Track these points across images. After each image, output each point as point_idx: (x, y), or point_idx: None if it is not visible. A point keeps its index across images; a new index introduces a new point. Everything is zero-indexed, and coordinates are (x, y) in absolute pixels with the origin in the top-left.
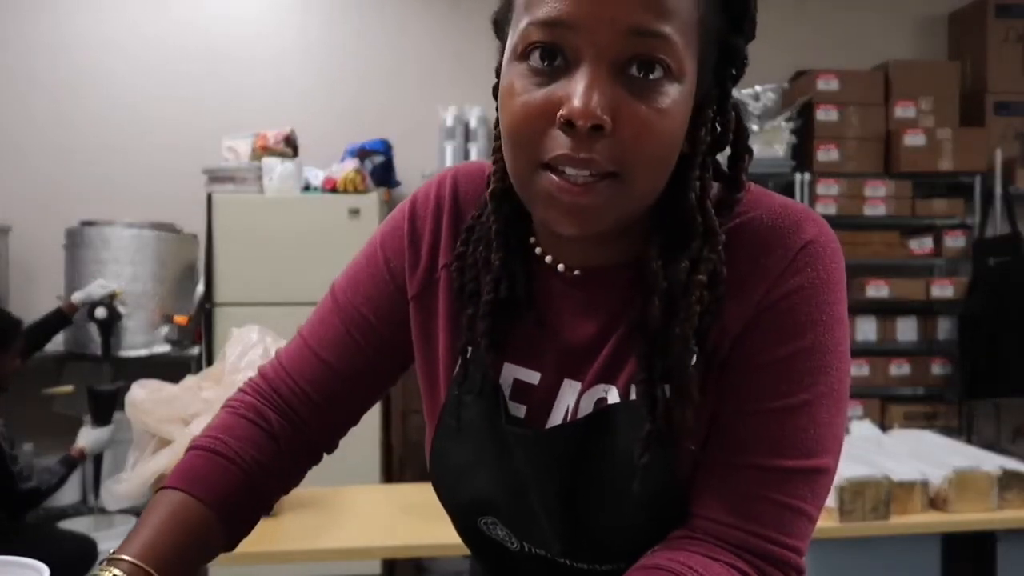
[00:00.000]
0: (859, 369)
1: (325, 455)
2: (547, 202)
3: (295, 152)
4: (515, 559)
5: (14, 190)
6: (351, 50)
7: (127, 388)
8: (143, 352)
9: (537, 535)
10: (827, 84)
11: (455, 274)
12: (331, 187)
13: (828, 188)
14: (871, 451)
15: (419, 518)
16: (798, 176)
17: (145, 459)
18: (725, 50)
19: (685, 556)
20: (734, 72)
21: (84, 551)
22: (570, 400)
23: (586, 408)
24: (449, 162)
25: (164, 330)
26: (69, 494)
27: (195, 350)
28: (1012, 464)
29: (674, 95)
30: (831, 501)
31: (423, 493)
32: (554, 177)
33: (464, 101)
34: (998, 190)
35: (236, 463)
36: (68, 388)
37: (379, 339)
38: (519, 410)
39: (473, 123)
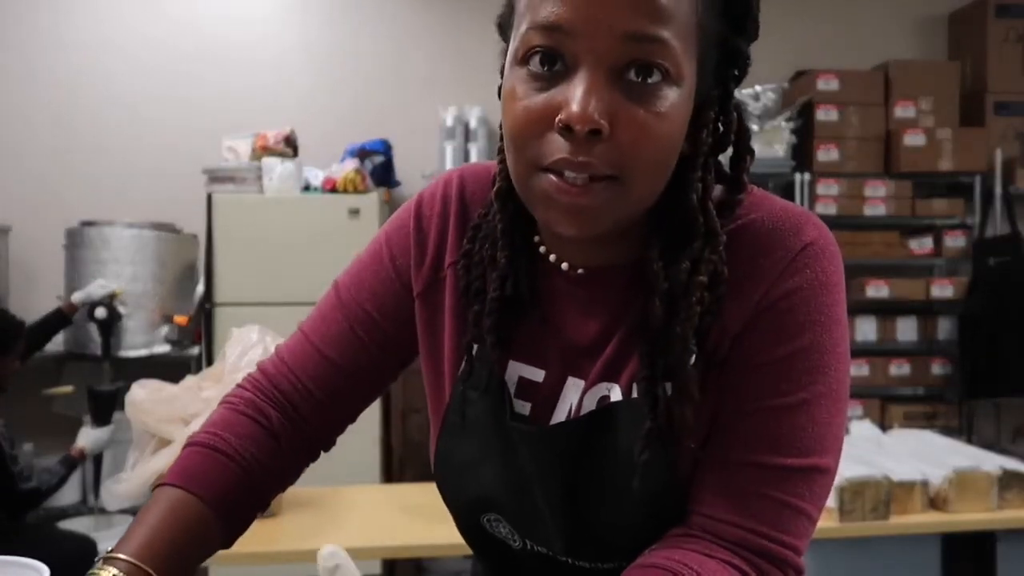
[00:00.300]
0: (859, 369)
1: (323, 453)
2: (546, 203)
3: (295, 152)
4: (517, 558)
5: (14, 190)
6: (351, 50)
7: (127, 388)
8: (143, 352)
9: (540, 532)
10: (827, 84)
11: (461, 272)
12: (331, 187)
13: (828, 188)
14: (871, 451)
15: (419, 518)
16: (798, 176)
17: (145, 459)
18: (726, 51)
19: (681, 554)
20: (736, 73)
21: (84, 551)
22: (573, 398)
23: (589, 406)
24: (449, 162)
25: (164, 330)
26: (69, 494)
27: (195, 350)
28: (1012, 464)
29: (672, 99)
30: (831, 501)
31: (423, 493)
32: (553, 178)
33: (464, 101)
34: (998, 190)
35: (234, 460)
36: (68, 388)
37: (382, 336)
38: (524, 407)
39: (473, 123)
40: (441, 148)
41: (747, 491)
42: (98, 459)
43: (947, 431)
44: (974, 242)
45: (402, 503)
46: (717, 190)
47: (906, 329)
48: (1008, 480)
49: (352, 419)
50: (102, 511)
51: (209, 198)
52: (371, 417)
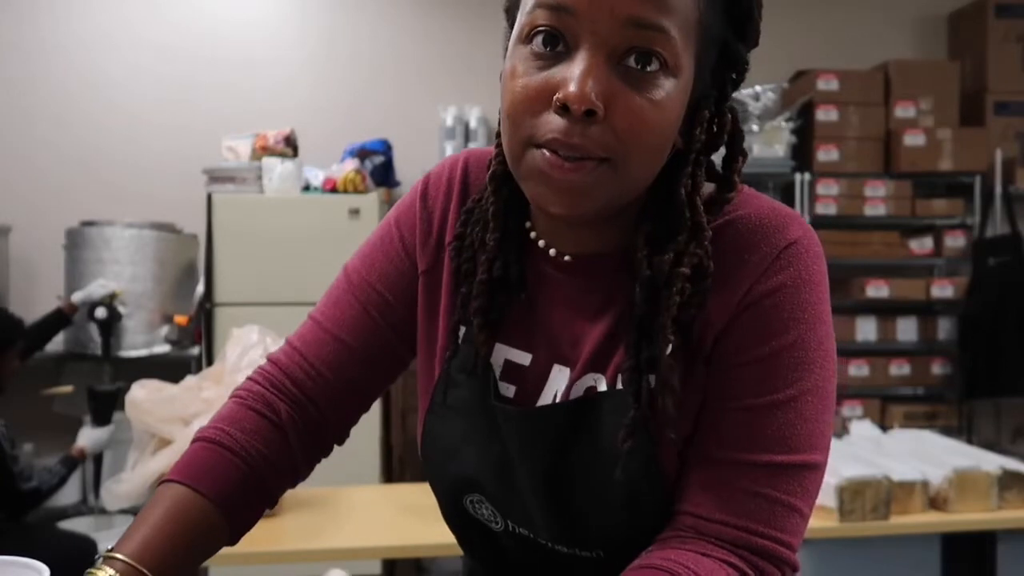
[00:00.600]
0: (859, 369)
1: (336, 447)
2: (538, 179)
3: (295, 152)
4: (499, 540)
5: (14, 190)
6: (351, 50)
7: (127, 388)
8: (143, 352)
9: (521, 514)
10: (827, 84)
11: (454, 254)
12: (331, 187)
13: (828, 188)
14: (871, 451)
15: (419, 518)
16: (798, 176)
17: (145, 459)
18: (725, 53)
19: (677, 554)
20: (734, 76)
21: (84, 551)
22: (560, 385)
23: (576, 395)
24: None
25: (164, 330)
26: (69, 494)
27: (195, 350)
28: (1012, 464)
29: (669, 88)
30: (831, 501)
31: (423, 493)
32: (546, 154)
33: (464, 101)
34: (998, 190)
35: (240, 456)
36: (68, 388)
37: (395, 315)
38: (508, 390)
39: (473, 123)
40: (441, 148)
41: (738, 489)
42: (98, 459)
43: (947, 431)
44: (974, 242)
45: (402, 503)
46: (708, 188)
47: (906, 329)
48: (1008, 480)
49: (365, 407)
50: (102, 511)
51: (209, 198)
52: (371, 417)
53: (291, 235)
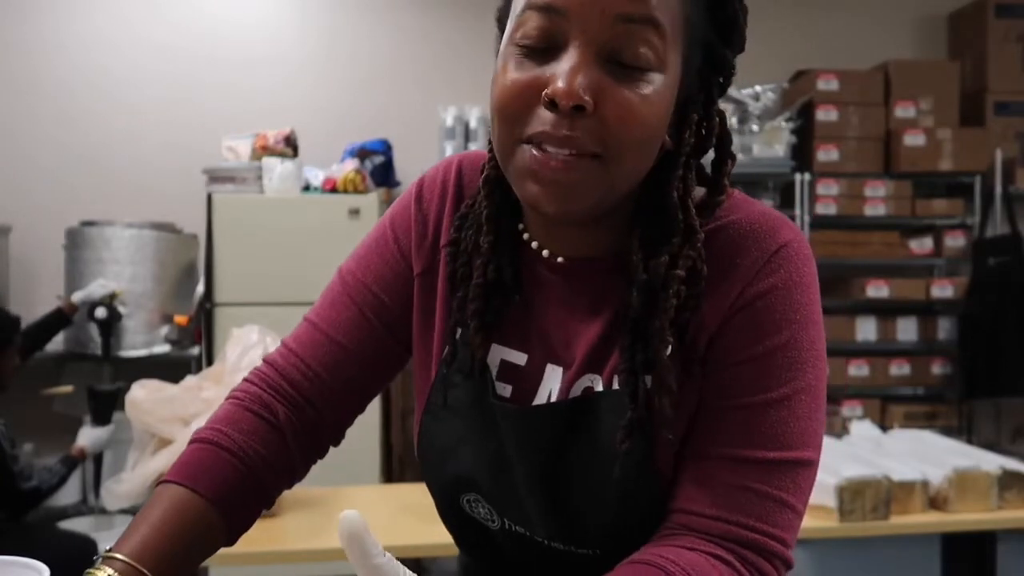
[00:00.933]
0: (859, 369)
1: (331, 450)
2: (528, 177)
3: (295, 152)
4: (496, 539)
5: (14, 190)
6: (351, 50)
7: (127, 388)
8: (143, 352)
9: (517, 513)
10: (827, 84)
11: (449, 258)
12: (331, 187)
13: (828, 188)
14: (871, 451)
15: (419, 518)
16: (798, 176)
17: (145, 459)
18: (712, 57)
19: (666, 550)
20: (721, 80)
21: (84, 551)
22: (553, 385)
23: (574, 396)
24: None
25: (164, 330)
26: (69, 494)
27: (195, 350)
28: (1012, 464)
29: (656, 84)
30: (831, 501)
31: (423, 493)
32: (536, 152)
33: (464, 101)
34: (998, 190)
35: (238, 457)
36: (67, 388)
37: (391, 317)
38: (505, 390)
39: (473, 123)
40: (441, 148)
41: (730, 485)
42: (98, 459)
43: (947, 431)
44: (974, 242)
45: (402, 503)
46: (699, 192)
47: (906, 329)
48: (1008, 480)
49: (361, 409)
50: (102, 511)
51: (209, 198)
52: (371, 417)
53: (291, 235)
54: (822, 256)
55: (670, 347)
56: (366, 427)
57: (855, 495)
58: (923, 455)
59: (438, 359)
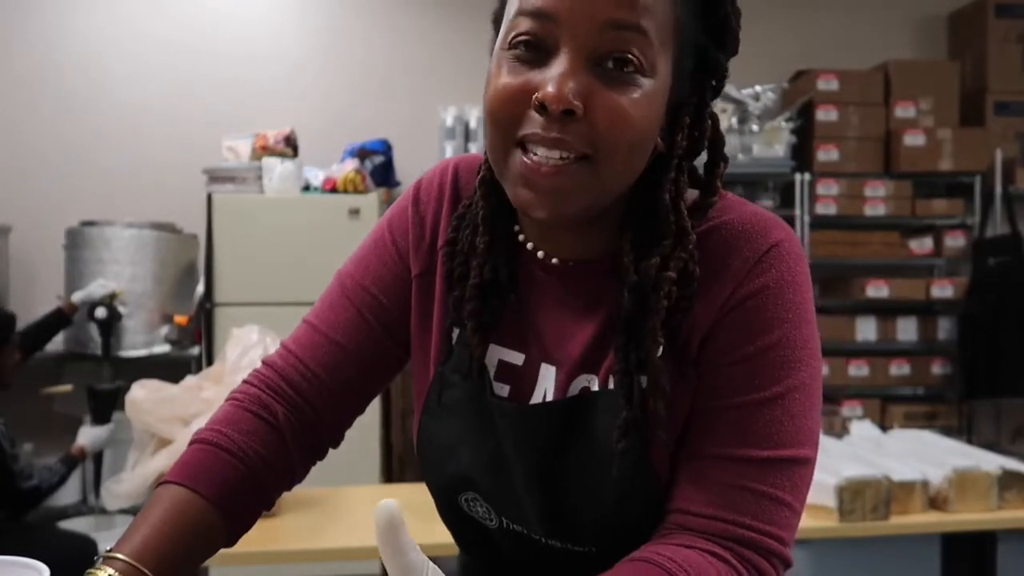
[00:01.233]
0: (859, 369)
1: (330, 450)
2: (519, 182)
3: (295, 152)
4: (494, 537)
5: (14, 190)
6: (351, 50)
7: (127, 387)
8: (143, 352)
9: (515, 511)
10: (827, 84)
11: (446, 259)
12: (331, 187)
13: (828, 188)
14: (871, 451)
15: (419, 518)
16: (798, 176)
17: (145, 459)
18: (704, 60)
19: (664, 548)
20: (714, 83)
21: (84, 551)
22: (548, 384)
23: (572, 395)
24: None
25: (164, 330)
26: (69, 494)
27: (195, 350)
28: (1012, 464)
29: (646, 88)
30: (831, 501)
31: (423, 493)
32: (526, 159)
33: (464, 101)
34: (998, 190)
35: (238, 457)
36: (67, 387)
37: (389, 318)
38: (503, 389)
39: (473, 123)
40: (441, 148)
41: (726, 484)
42: (98, 459)
43: (947, 431)
44: (974, 242)
45: (402, 503)
46: (692, 194)
47: (906, 329)
48: (1008, 480)
49: (360, 410)
50: (102, 511)
51: (209, 198)
52: (371, 417)
53: (291, 235)
54: (822, 256)
55: (661, 348)
56: (366, 427)
57: (855, 495)
58: (923, 455)
59: (436, 359)
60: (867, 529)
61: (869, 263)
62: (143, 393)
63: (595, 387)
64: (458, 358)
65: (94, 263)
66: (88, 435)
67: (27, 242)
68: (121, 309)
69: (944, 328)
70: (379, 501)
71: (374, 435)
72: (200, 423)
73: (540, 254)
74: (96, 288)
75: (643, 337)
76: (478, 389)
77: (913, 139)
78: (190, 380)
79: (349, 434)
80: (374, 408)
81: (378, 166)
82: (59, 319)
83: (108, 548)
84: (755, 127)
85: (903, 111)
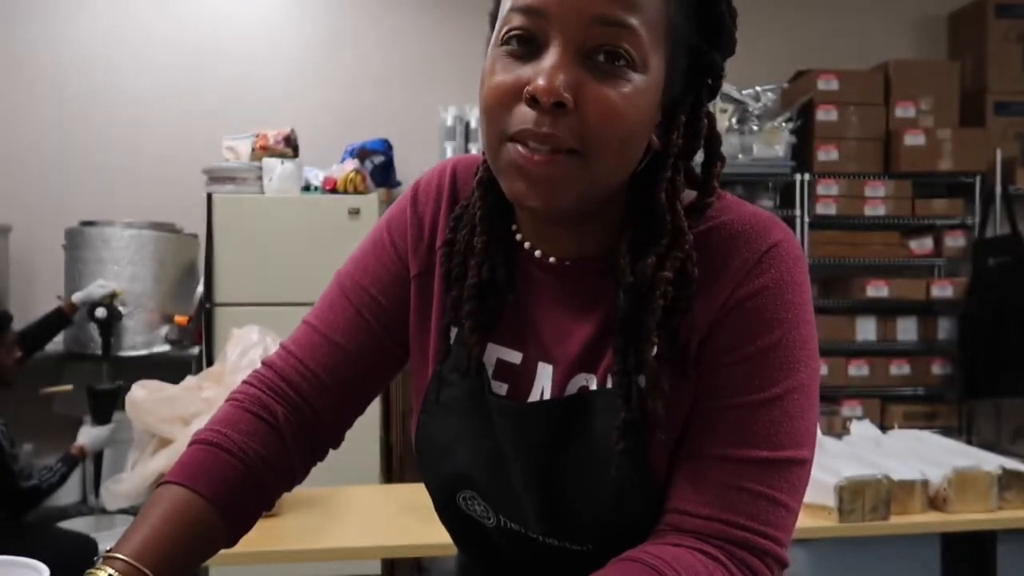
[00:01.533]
0: (859, 369)
1: (331, 451)
2: (512, 173)
3: (295, 152)
4: (491, 536)
5: (14, 190)
6: (352, 50)
7: (127, 387)
8: (143, 352)
9: (513, 510)
10: (827, 84)
11: (444, 259)
12: (331, 187)
13: (828, 188)
14: (871, 451)
15: (419, 518)
16: (798, 176)
17: (145, 459)
18: (700, 60)
19: (657, 548)
20: (710, 83)
21: (84, 551)
22: (545, 383)
23: (570, 394)
24: None
25: (164, 330)
26: (69, 494)
27: (195, 350)
28: (1012, 464)
29: (638, 83)
30: (831, 501)
31: (423, 493)
32: (519, 148)
33: (464, 101)
34: (998, 190)
35: (238, 457)
36: (67, 387)
37: (388, 318)
38: (501, 388)
39: (473, 123)
40: (441, 148)
41: (723, 485)
42: (98, 459)
43: (947, 431)
44: (974, 242)
45: (402, 503)
46: (691, 195)
47: (906, 329)
48: (1008, 480)
49: (360, 410)
50: (102, 511)
51: (209, 198)
52: (371, 417)
53: (291, 235)
54: (822, 256)
55: (656, 348)
56: (366, 427)
57: (855, 495)
58: (923, 455)
59: (435, 358)
60: (867, 529)
61: (869, 263)
62: (143, 393)
63: (593, 386)
64: (456, 357)
65: (94, 263)
66: (88, 435)
67: (27, 242)
68: (121, 309)
69: (944, 328)
70: (379, 501)
71: (374, 435)
72: (200, 423)
73: (537, 253)
74: (96, 288)
75: (640, 337)
76: (476, 387)
77: (913, 139)
78: (190, 380)
79: (349, 434)
80: (374, 408)
81: (378, 166)
82: (59, 319)
83: (108, 548)
84: (755, 127)
85: (903, 111)
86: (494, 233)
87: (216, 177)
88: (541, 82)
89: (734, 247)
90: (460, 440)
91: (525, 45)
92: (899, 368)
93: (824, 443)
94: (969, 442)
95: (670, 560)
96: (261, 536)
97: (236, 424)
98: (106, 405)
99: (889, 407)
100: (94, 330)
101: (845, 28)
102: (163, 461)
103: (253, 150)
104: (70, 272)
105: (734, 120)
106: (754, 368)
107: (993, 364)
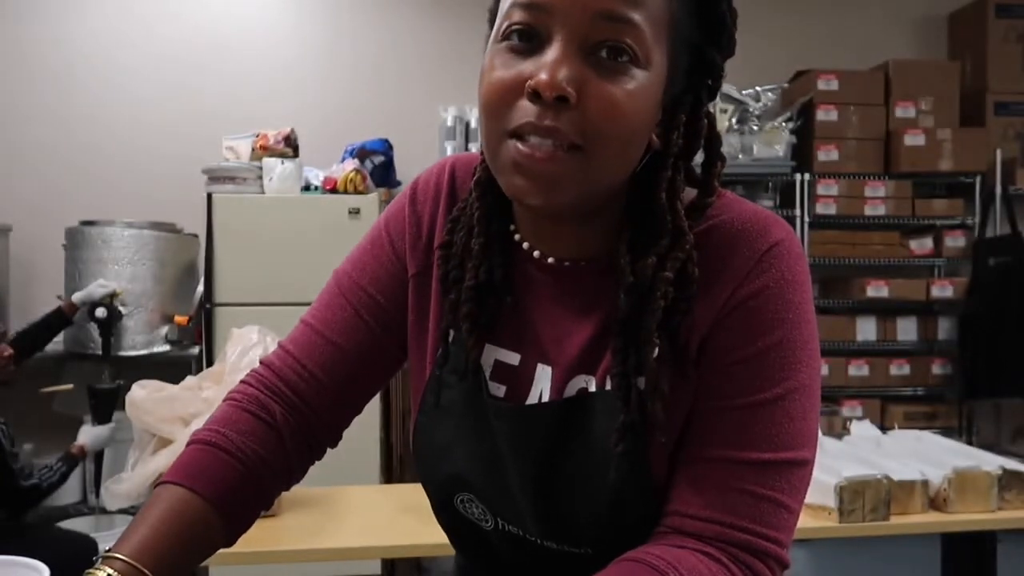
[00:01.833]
0: (859, 369)
1: (328, 450)
2: (512, 170)
3: (295, 152)
4: (489, 539)
5: (14, 190)
6: (351, 50)
7: (127, 386)
8: (143, 352)
9: (511, 512)
10: (827, 84)
11: (441, 261)
12: (331, 187)
13: (828, 188)
14: (871, 451)
15: (419, 518)
16: (798, 176)
17: (145, 459)
18: (701, 59)
19: (659, 549)
20: (710, 83)
21: (84, 551)
22: (544, 384)
23: (569, 396)
24: None
25: (164, 330)
26: (69, 494)
27: (195, 350)
28: (1012, 464)
29: (640, 80)
30: (831, 501)
31: (423, 493)
32: (520, 145)
33: (464, 101)
34: (998, 190)
35: (236, 457)
36: (67, 386)
37: (386, 317)
38: (499, 390)
39: (473, 123)
40: (441, 148)
41: (724, 487)
42: (99, 459)
43: (947, 431)
44: (974, 242)
45: (402, 503)
46: (690, 193)
47: (906, 329)
48: (1008, 480)
49: (358, 410)
50: (102, 511)
51: (209, 198)
52: (371, 417)
53: (291, 235)
54: (822, 256)
55: (657, 349)
56: (366, 427)
57: (855, 495)
58: (923, 455)
59: (433, 359)
60: (867, 529)
61: (869, 263)
62: (143, 393)
63: (592, 388)
64: (454, 359)
65: (94, 263)
66: (89, 434)
67: (27, 242)
68: (121, 309)
69: (944, 328)
70: (378, 501)
71: (374, 435)
72: (200, 423)
73: (536, 253)
74: (96, 288)
75: (640, 339)
76: (474, 389)
77: (913, 139)
78: (190, 380)
79: (349, 434)
80: (374, 408)
81: (378, 166)
82: (59, 319)
83: (108, 548)
84: (755, 127)
85: (903, 111)
86: (492, 234)
87: (216, 177)
88: (544, 76)
89: (734, 246)
90: (457, 442)
91: (526, 40)
92: (899, 368)
93: (824, 443)
94: (969, 442)
95: (672, 561)
96: (261, 536)
97: (234, 424)
98: (106, 404)
99: (889, 407)
100: (94, 330)
101: (845, 28)
102: (163, 461)
103: (253, 150)
104: (70, 272)
105: (734, 120)
106: (755, 368)
107: (993, 364)
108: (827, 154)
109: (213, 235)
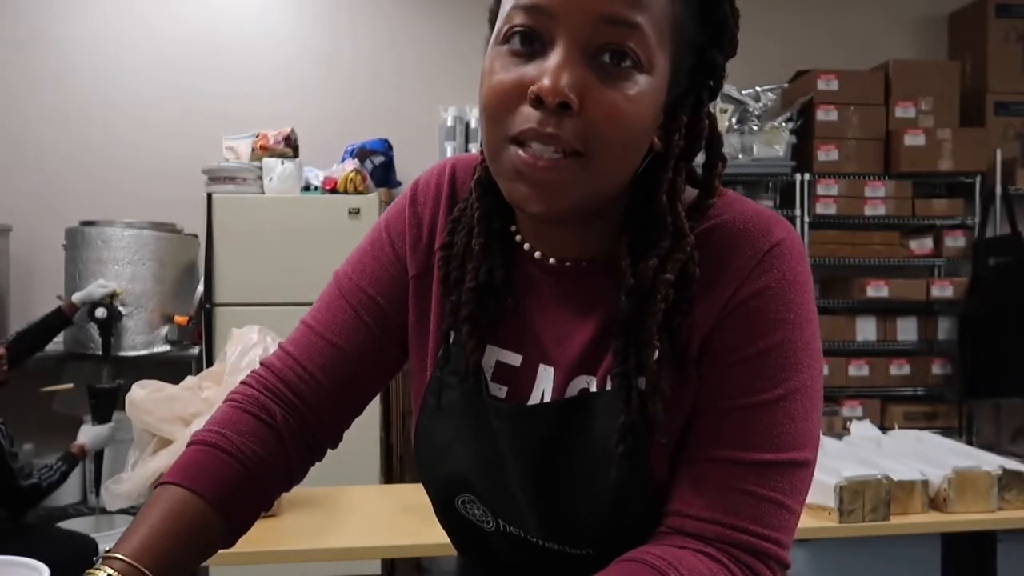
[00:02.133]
0: (859, 369)
1: (329, 451)
2: (513, 177)
3: (295, 152)
4: (490, 539)
5: (14, 190)
6: (351, 50)
7: (127, 386)
8: (143, 352)
9: (512, 513)
10: (827, 84)
11: (442, 262)
12: (331, 187)
13: (828, 188)
14: (871, 451)
15: (419, 518)
16: (798, 176)
17: (145, 459)
18: (702, 60)
19: (660, 549)
20: (711, 84)
21: (84, 551)
22: (545, 385)
23: (570, 396)
24: None
25: (164, 330)
26: (69, 494)
27: (195, 350)
28: (1012, 464)
29: (643, 84)
30: (831, 501)
31: (423, 493)
32: (521, 152)
33: (464, 101)
34: (998, 190)
35: (236, 457)
36: (67, 385)
37: (386, 318)
38: (500, 390)
39: (473, 123)
40: (441, 148)
41: (725, 488)
42: (99, 459)
43: (947, 431)
44: (974, 242)
45: (402, 503)
46: (691, 193)
47: (906, 329)
48: (1008, 480)
49: (358, 411)
50: (102, 511)
51: (209, 198)
52: (371, 417)
53: (291, 235)
54: (822, 256)
55: (657, 351)
56: (366, 427)
57: (855, 495)
58: (923, 455)
59: (433, 360)
60: (867, 529)
61: (869, 263)
62: (143, 393)
63: (593, 388)
64: (455, 360)
65: (94, 263)
66: (89, 434)
67: (27, 242)
68: (121, 309)
69: (944, 328)
70: (378, 501)
71: (374, 435)
72: (200, 423)
73: (537, 254)
74: (96, 288)
75: (641, 340)
76: (475, 390)
77: (913, 139)
78: (190, 380)
79: (349, 434)
80: (374, 408)
81: (378, 166)
82: (59, 319)
83: (108, 548)
84: (755, 127)
85: (903, 111)
86: (492, 234)
87: (216, 177)
88: (546, 82)
89: (736, 246)
90: (458, 443)
91: (528, 43)
92: (899, 368)
93: (824, 443)
94: (969, 442)
95: (673, 561)
96: (261, 536)
97: (234, 425)
98: (106, 404)
99: (889, 407)
100: (94, 330)
101: (845, 28)
102: (163, 461)
103: (253, 150)
104: (70, 272)
105: (734, 120)
106: (756, 369)
107: (993, 364)
108: (827, 154)
109: (213, 235)
